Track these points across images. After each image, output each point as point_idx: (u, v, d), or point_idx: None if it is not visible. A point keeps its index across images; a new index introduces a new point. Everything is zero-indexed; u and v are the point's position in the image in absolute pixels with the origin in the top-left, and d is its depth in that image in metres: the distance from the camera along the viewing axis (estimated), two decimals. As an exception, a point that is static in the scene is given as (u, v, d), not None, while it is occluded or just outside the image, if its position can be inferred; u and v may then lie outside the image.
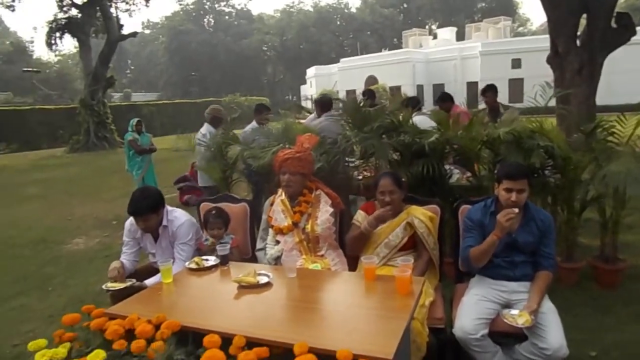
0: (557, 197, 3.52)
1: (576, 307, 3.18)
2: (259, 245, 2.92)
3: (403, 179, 2.74)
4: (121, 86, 45.50)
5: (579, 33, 7.21)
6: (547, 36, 7.55)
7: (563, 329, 2.10)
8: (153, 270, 2.79)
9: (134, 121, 7.06)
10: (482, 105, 5.63)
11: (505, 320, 2.09)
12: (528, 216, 2.34)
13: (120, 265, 2.69)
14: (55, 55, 44.44)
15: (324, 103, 5.17)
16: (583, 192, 3.48)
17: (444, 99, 5.72)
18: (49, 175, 12.94)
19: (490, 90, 5.58)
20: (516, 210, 2.20)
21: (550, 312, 2.15)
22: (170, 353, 1.60)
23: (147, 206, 2.66)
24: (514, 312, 2.14)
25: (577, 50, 6.96)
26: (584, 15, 7.16)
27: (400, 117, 3.73)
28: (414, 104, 5.04)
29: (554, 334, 2.04)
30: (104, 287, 2.50)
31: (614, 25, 6.96)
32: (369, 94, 6.33)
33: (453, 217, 2.76)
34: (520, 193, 2.26)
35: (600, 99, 7.32)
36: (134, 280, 2.54)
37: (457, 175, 4.19)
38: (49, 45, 20.86)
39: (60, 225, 6.99)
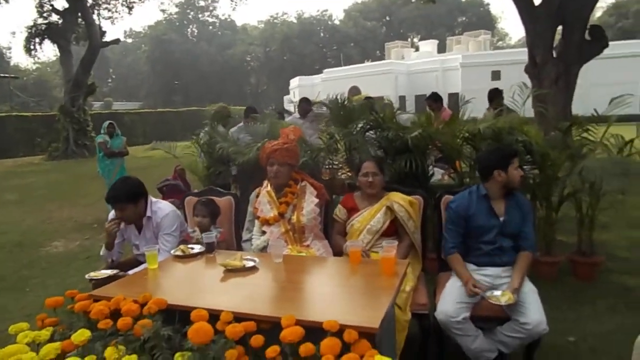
0: (536, 192, 3.62)
1: (556, 299, 3.26)
2: (244, 236, 2.92)
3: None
4: (102, 95, 44.75)
5: (555, 45, 7.48)
6: (525, 49, 7.80)
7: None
8: (137, 263, 2.77)
9: (106, 123, 6.97)
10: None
11: (490, 300, 2.14)
12: (514, 200, 2.41)
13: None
14: (34, 63, 43.74)
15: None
16: (560, 188, 3.59)
17: (435, 98, 5.85)
18: (27, 182, 12.62)
19: (498, 95, 5.57)
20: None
21: (530, 292, 2.21)
22: (157, 329, 1.59)
23: (125, 194, 2.65)
24: (497, 292, 2.19)
25: (554, 61, 7.21)
26: (560, 28, 7.44)
27: (384, 114, 3.79)
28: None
29: (534, 310, 2.10)
30: (87, 276, 2.46)
31: (587, 37, 7.24)
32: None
33: (435, 208, 2.81)
34: None
35: (575, 110, 7.56)
36: (118, 270, 2.51)
37: (439, 175, 4.28)
38: (28, 50, 20.37)
39: (38, 229, 6.82)
